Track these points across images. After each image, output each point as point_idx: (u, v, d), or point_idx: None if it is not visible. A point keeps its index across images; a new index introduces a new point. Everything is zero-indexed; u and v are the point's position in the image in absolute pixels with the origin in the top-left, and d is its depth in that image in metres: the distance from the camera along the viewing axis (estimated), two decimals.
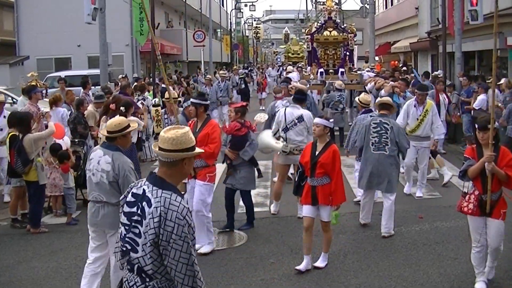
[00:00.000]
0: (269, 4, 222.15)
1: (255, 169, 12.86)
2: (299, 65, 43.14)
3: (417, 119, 14.88)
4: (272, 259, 10.73)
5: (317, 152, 10.19)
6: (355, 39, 27.69)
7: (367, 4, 44.81)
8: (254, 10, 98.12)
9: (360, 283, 9.51)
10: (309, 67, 29.32)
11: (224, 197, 12.62)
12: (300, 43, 67.62)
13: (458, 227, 12.10)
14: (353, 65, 27.86)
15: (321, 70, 26.11)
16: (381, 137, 12.15)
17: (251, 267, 10.32)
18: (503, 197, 9.02)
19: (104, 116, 14.85)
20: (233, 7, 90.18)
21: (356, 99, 15.78)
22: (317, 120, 10.42)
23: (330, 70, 26.38)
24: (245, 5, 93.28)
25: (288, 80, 19.91)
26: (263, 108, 36.48)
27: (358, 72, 27.90)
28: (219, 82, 29.71)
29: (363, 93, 16.35)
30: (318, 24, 27.78)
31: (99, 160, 8.42)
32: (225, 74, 32.18)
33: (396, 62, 53.87)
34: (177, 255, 4.88)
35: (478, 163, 8.75)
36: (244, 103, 14.00)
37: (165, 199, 4.93)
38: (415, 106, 14.99)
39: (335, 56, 27.00)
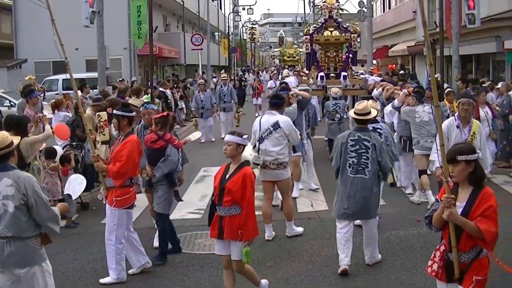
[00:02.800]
0: (267, 7, 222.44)
1: (173, 190, 11.11)
2: (297, 69, 42.96)
3: None
4: (270, 262, 10.73)
5: (227, 176, 8.67)
6: (358, 40, 25.47)
7: (365, 8, 44.85)
8: (252, 14, 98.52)
9: (358, 286, 9.53)
10: (305, 70, 28.04)
11: None
12: (295, 46, 67.60)
13: None
14: (351, 69, 25.09)
15: (322, 74, 23.24)
16: (360, 158, 10.17)
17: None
18: (485, 258, 6.43)
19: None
20: (231, 11, 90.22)
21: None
22: (227, 137, 8.81)
23: (331, 74, 23.57)
24: (243, 9, 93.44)
25: (287, 88, 16.57)
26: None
27: (362, 76, 25.73)
28: (221, 86, 28.35)
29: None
30: (318, 24, 26.24)
31: None
32: (226, 77, 31.08)
33: (394, 65, 53.96)
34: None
35: (439, 208, 6.45)
36: (165, 113, 11.61)
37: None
38: (458, 127, 11.43)
39: (336, 58, 24.33)
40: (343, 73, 23.13)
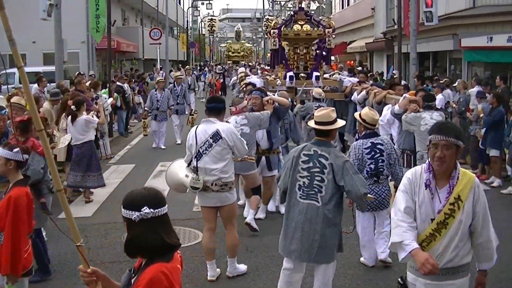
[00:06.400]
0: (226, 2, 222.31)
1: (40, 202, 9.57)
2: (249, 64, 42.17)
3: (432, 220, 5.80)
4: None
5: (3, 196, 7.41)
6: (333, 36, 22.17)
7: (324, 4, 45.03)
8: (211, 9, 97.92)
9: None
10: (260, 67, 26.51)
11: None
12: (243, 41, 67.50)
13: None
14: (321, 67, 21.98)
15: (291, 73, 20.33)
16: (313, 178, 7.83)
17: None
18: None
19: (64, 113, 14.78)
20: (190, 5, 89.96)
21: (356, 115, 10.66)
22: None
23: (302, 74, 20.60)
24: (202, 3, 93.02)
25: (261, 89, 13.84)
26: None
27: (335, 76, 22.55)
28: (174, 86, 25.19)
29: (366, 107, 11.24)
30: (287, 16, 23.96)
31: None
32: (181, 76, 27.78)
33: (352, 62, 54.25)
34: None
35: None
36: (26, 118, 10.13)
37: None
38: (427, 186, 5.81)
39: (307, 56, 21.44)
40: (315, 73, 20.42)
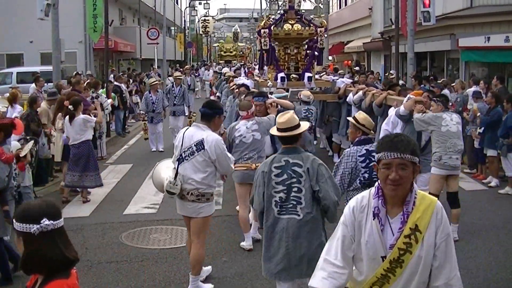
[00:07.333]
0: (223, 2, 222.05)
1: (3, 210, 9.52)
2: (246, 67, 41.52)
3: (383, 258, 4.59)
4: (225, 257, 10.73)
5: None
6: (326, 35, 21.32)
7: (321, 4, 45.00)
8: (209, 8, 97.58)
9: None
10: (255, 69, 25.44)
11: None
12: (241, 43, 67.61)
13: None
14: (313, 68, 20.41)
15: (282, 74, 18.85)
16: (289, 190, 7.13)
17: (204, 265, 10.31)
18: None
19: (60, 113, 14.75)
20: (187, 5, 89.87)
21: (351, 119, 9.08)
22: None
23: (293, 75, 19.39)
24: (199, 3, 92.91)
25: (263, 93, 13.02)
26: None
27: (325, 77, 21.83)
28: (173, 87, 23.91)
29: (360, 112, 9.80)
30: (278, 14, 22.21)
31: None
32: (180, 76, 26.27)
33: (349, 62, 54.23)
34: None
35: None
36: None
37: None
38: (376, 216, 4.61)
39: (298, 56, 19.98)
40: (307, 74, 19.13)
